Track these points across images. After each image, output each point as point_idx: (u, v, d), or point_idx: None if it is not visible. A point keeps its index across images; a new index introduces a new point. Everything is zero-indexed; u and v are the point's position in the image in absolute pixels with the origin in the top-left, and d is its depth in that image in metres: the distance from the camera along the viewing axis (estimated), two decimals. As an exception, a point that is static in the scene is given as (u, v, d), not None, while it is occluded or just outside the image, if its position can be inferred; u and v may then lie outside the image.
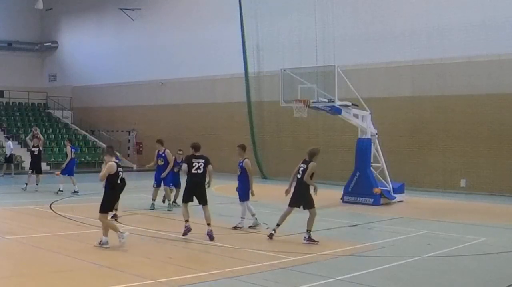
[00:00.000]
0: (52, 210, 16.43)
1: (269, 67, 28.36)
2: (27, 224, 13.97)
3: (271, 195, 22.01)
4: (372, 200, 18.70)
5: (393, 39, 25.11)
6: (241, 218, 13.77)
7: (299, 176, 12.14)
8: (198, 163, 12.19)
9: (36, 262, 10.18)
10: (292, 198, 12.27)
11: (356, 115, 19.91)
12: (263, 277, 9.24)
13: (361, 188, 19.11)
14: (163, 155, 16.86)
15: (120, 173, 11.10)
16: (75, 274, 9.33)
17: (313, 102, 19.23)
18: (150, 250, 11.38)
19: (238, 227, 13.66)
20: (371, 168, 19.56)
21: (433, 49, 24.04)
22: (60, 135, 37.37)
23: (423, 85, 24.63)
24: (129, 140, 37.25)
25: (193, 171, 12.13)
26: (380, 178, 19.76)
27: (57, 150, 35.34)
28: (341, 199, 19.61)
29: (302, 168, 12.14)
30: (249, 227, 13.73)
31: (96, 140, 37.98)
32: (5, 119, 37.81)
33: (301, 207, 12.18)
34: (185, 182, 12.50)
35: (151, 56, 35.58)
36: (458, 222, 15.69)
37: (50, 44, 43.05)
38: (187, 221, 12.19)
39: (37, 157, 21.62)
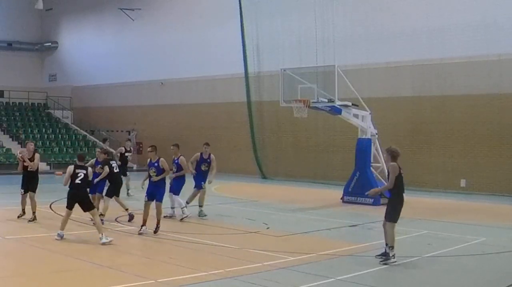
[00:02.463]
0: (52, 210, 16.43)
1: (269, 67, 28.30)
2: (27, 224, 13.97)
3: (271, 195, 22.06)
4: (372, 200, 18.64)
5: (393, 39, 25.07)
6: (172, 207, 15.01)
7: None
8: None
9: (36, 262, 10.19)
10: None
11: (356, 115, 19.90)
12: (263, 277, 9.23)
13: (361, 188, 19.04)
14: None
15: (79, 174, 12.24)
16: (75, 274, 9.34)
17: (313, 102, 19.23)
18: (150, 250, 11.38)
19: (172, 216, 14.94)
20: (371, 168, 19.56)
21: (433, 49, 23.98)
22: (60, 136, 37.34)
23: (423, 85, 24.60)
24: (129, 140, 37.17)
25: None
26: (380, 178, 19.72)
27: (57, 150, 35.36)
28: (341, 199, 19.61)
29: None
30: (164, 216, 14.28)
31: (96, 140, 37.93)
32: (5, 119, 37.80)
33: None
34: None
35: (151, 56, 35.54)
36: (458, 222, 15.68)
37: (50, 44, 42.98)
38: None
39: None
